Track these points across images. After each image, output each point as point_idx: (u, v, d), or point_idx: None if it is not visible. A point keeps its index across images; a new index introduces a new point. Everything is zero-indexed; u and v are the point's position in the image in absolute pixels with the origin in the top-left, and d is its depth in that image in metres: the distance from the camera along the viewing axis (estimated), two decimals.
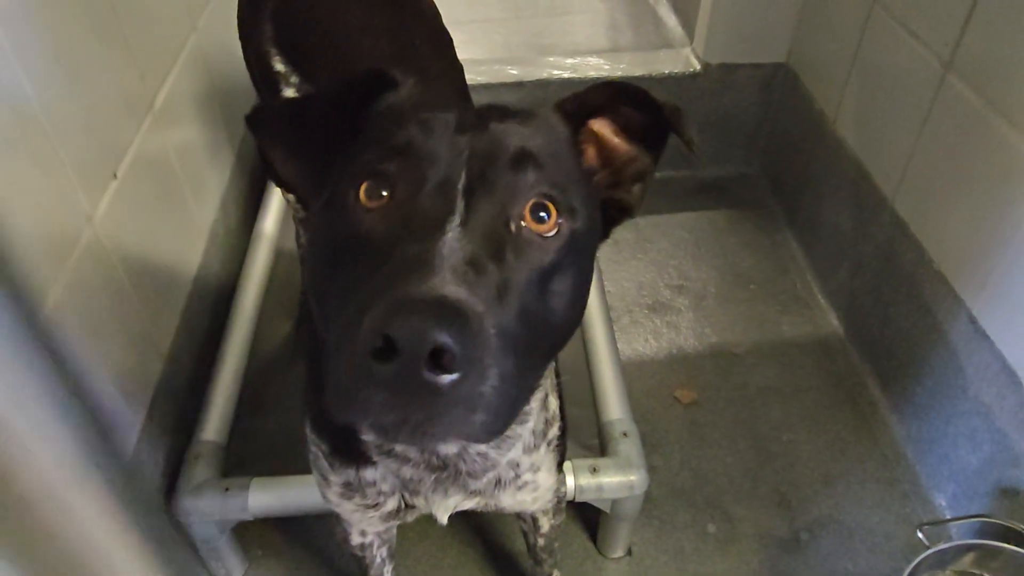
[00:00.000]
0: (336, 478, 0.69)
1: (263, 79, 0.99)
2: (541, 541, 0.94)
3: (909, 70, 1.19)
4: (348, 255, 0.49)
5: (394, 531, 0.89)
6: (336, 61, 0.88)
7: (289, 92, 0.97)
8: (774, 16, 1.56)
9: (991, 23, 1.01)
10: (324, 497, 0.73)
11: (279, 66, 0.96)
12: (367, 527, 0.81)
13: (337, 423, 0.54)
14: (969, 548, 0.94)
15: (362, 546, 0.85)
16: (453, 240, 0.45)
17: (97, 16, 0.89)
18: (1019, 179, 0.97)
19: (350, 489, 0.69)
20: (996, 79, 1.00)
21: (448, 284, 0.42)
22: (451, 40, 0.98)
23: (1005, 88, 0.99)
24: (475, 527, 1.14)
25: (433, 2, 1.00)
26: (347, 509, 0.72)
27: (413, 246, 0.45)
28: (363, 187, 0.49)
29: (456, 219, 0.47)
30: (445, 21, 1.02)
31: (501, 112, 0.54)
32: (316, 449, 0.70)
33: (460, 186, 0.48)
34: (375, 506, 0.70)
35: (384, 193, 0.49)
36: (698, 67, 1.65)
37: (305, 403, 0.70)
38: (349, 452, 0.66)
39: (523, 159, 0.50)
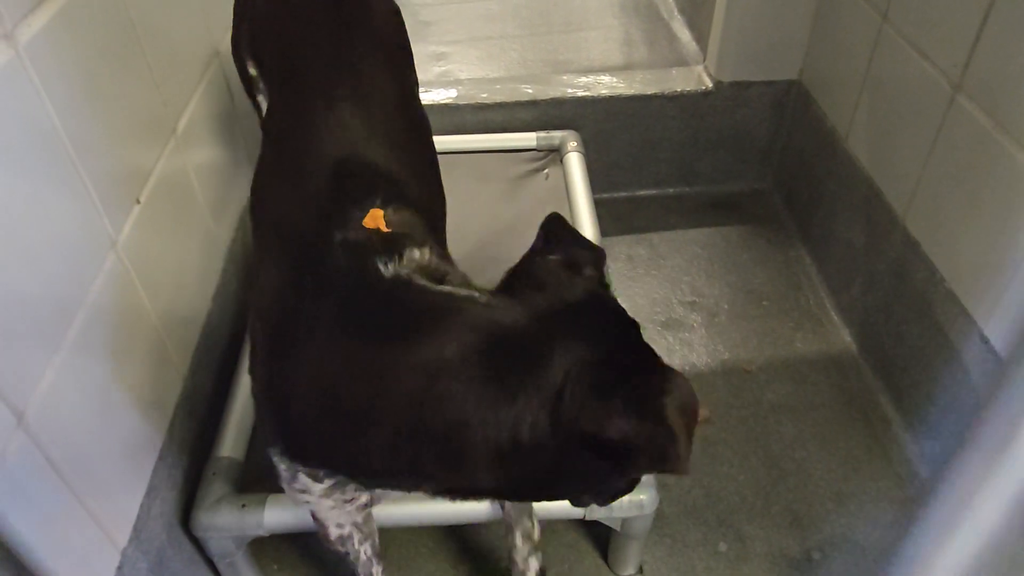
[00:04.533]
0: (320, 486, 0.71)
1: (244, 83, 1.08)
2: (519, 542, 0.97)
3: (919, 90, 1.19)
4: None
5: (374, 526, 0.92)
6: (283, 69, 0.95)
7: (260, 97, 1.05)
8: (786, 34, 1.57)
9: (1000, 45, 1.01)
10: (298, 503, 0.76)
11: (252, 71, 1.04)
12: (343, 520, 0.84)
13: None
14: None
15: (341, 538, 0.87)
16: None
17: (122, 46, 0.92)
18: None
19: (331, 489, 0.72)
20: (1005, 101, 1.01)
21: None
22: (404, 55, 1.03)
23: (1014, 110, 0.99)
24: (476, 546, 1.15)
25: (393, 19, 1.04)
26: (324, 507, 0.75)
27: None
28: None
29: None
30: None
31: None
32: (293, 468, 0.71)
33: None
34: (351, 500, 0.74)
35: None
36: (710, 85, 1.67)
37: (277, 435, 0.71)
38: None
39: None
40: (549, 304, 0.60)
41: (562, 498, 0.66)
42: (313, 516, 0.85)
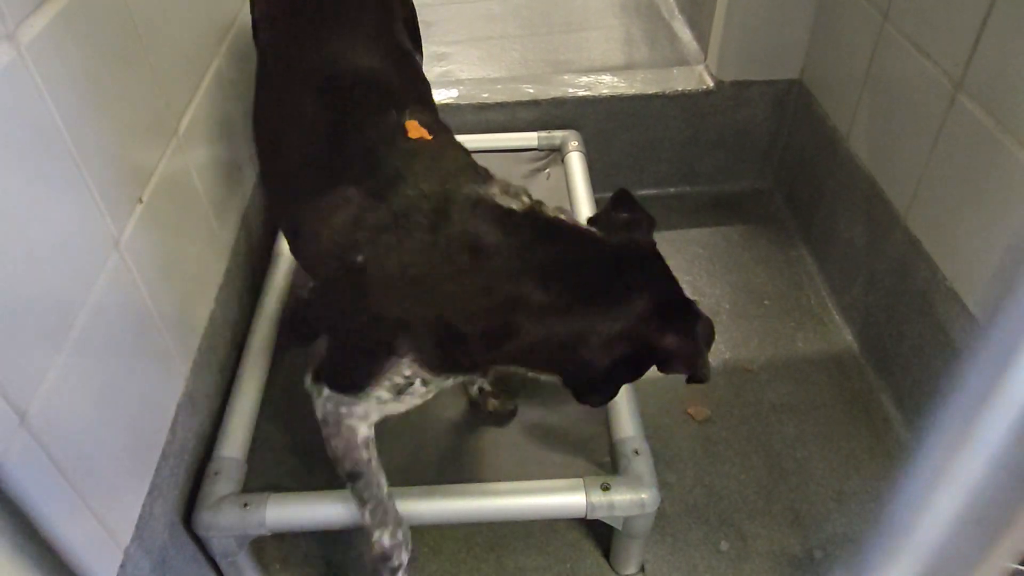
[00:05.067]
0: (423, 389, 0.87)
1: (254, 25, 1.19)
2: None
3: (920, 88, 1.19)
4: None
5: None
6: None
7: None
8: (787, 33, 1.57)
9: (1001, 44, 1.01)
10: (385, 405, 0.89)
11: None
12: (377, 418, 0.93)
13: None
14: None
15: (367, 441, 0.93)
16: None
17: (124, 46, 0.92)
18: None
19: (429, 390, 0.88)
20: (1006, 100, 1.01)
21: None
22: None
23: (1015, 109, 0.99)
24: (477, 547, 1.15)
25: None
26: (418, 394, 0.88)
27: None
28: None
29: None
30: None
31: None
32: (418, 375, 0.85)
33: None
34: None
35: None
36: (711, 84, 1.67)
37: (410, 348, 0.82)
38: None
39: None
40: (629, 246, 0.83)
41: (605, 385, 0.86)
42: (339, 423, 0.92)
